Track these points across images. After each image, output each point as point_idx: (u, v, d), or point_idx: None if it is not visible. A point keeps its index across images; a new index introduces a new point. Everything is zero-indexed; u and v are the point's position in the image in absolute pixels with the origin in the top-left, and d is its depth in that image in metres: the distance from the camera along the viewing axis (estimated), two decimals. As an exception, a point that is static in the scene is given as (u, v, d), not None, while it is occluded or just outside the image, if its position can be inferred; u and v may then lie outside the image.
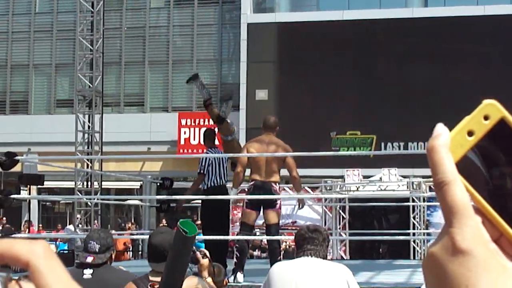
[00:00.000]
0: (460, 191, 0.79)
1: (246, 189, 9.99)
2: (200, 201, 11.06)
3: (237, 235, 9.78)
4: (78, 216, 21.22)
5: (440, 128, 0.80)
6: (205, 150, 10.61)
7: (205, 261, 4.86)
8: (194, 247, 4.91)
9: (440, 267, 0.79)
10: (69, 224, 26.52)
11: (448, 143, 0.79)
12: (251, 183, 9.41)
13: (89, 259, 5.02)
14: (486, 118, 0.79)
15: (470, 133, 0.80)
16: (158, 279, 4.33)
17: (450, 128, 0.81)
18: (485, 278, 0.77)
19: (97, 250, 5.04)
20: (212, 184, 10.18)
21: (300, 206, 9.86)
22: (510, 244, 0.80)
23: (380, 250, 22.90)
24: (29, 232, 20.77)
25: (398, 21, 25.70)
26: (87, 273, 5.01)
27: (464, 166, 0.79)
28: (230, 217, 11.42)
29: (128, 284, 4.53)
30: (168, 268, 3.93)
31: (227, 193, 10.12)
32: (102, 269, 5.03)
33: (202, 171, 10.16)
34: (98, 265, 5.03)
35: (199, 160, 10.30)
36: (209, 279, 4.91)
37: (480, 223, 0.79)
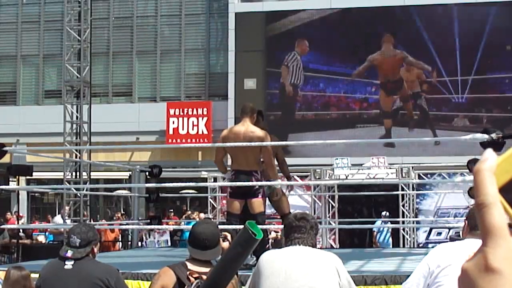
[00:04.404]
0: (498, 213, 0.82)
1: (229, 178, 9.90)
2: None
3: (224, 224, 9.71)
4: (67, 207, 21.20)
5: (488, 153, 0.83)
6: None
7: (225, 245, 4.83)
8: None
9: (471, 283, 0.82)
10: (58, 214, 26.47)
11: (494, 168, 0.81)
12: (232, 173, 9.37)
13: (69, 253, 5.21)
14: None
15: None
16: (197, 268, 4.33)
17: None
18: None
19: (77, 244, 5.23)
20: None
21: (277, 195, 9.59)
22: None
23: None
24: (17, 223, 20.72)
25: (386, 8, 25.67)
26: (69, 263, 5.20)
27: (509, 190, 0.82)
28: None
29: (164, 269, 4.62)
30: (222, 263, 3.91)
31: None
32: (83, 261, 5.22)
33: None
34: (79, 258, 5.22)
35: None
36: None
37: None
